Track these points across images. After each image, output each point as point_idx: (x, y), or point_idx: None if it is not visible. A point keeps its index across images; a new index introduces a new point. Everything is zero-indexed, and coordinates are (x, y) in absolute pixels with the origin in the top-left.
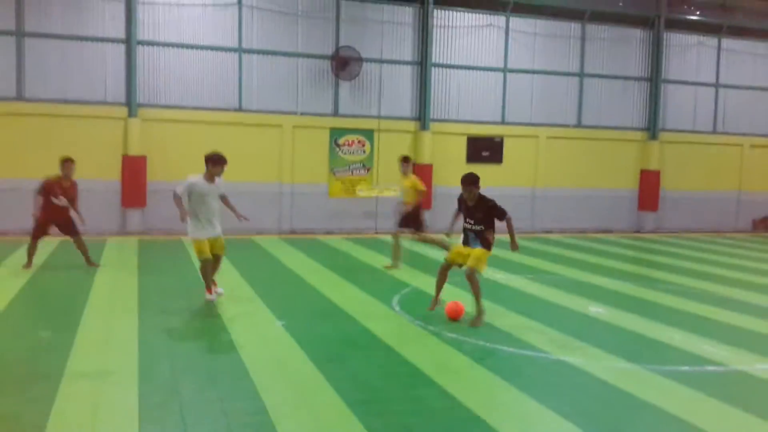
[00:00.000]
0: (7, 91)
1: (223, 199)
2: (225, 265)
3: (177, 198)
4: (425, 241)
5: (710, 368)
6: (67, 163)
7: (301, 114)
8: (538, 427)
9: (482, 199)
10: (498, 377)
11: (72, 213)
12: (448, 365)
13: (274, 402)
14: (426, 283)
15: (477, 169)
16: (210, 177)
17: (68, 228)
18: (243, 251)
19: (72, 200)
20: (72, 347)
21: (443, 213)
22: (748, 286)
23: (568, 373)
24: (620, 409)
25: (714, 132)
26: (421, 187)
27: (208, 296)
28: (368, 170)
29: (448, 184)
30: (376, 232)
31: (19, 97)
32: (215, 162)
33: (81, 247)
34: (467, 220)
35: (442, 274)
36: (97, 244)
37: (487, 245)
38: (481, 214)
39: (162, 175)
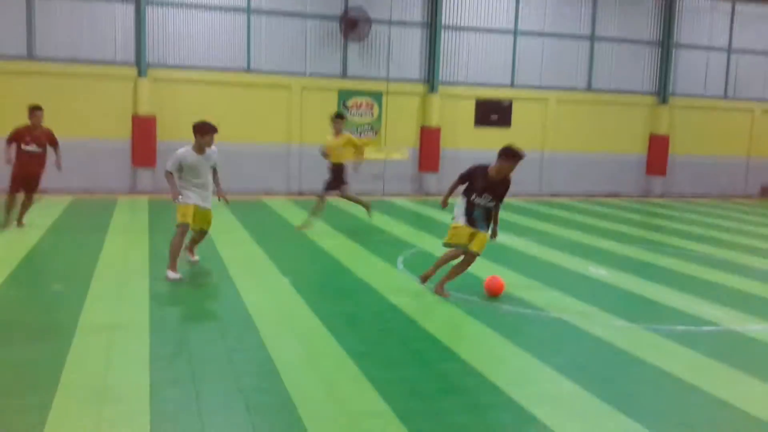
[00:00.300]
0: (17, 50)
1: (213, 171)
2: (233, 223)
3: (168, 174)
4: (349, 199)
5: (705, 328)
6: (33, 111)
7: (310, 75)
8: (533, 380)
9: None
10: (496, 333)
11: (42, 171)
12: (446, 321)
13: (280, 353)
14: (431, 244)
15: (485, 132)
16: (199, 148)
17: (32, 185)
18: (251, 211)
19: (52, 145)
20: (84, 301)
21: (450, 176)
22: (751, 250)
23: (565, 331)
24: (614, 365)
25: (725, 97)
26: (358, 141)
27: (171, 275)
28: (376, 132)
29: (456, 147)
30: (384, 195)
31: (30, 56)
32: (203, 131)
33: (28, 203)
34: (484, 195)
35: (449, 256)
36: (108, 203)
37: (494, 225)
38: (502, 191)
39: (171, 134)
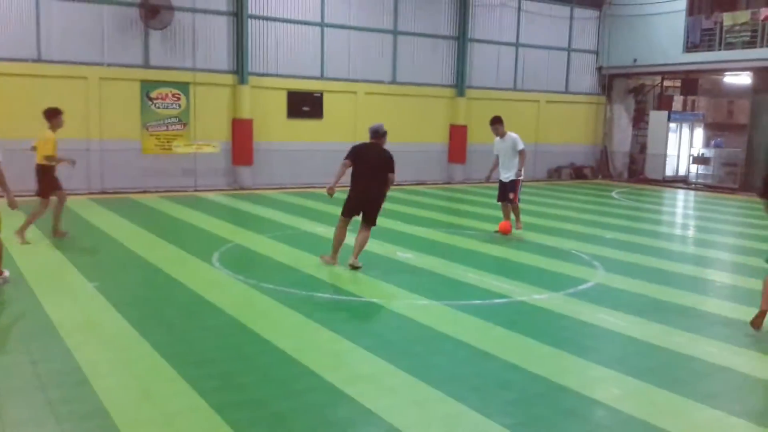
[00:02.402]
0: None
1: None
2: (29, 229)
3: None
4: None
5: (497, 300)
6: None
7: (108, 65)
8: (346, 361)
9: None
10: (311, 321)
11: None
12: (263, 313)
13: (89, 361)
14: (248, 238)
15: (298, 124)
16: None
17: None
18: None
19: None
20: None
21: (265, 169)
22: (537, 228)
23: (374, 313)
24: (418, 340)
25: (515, 89)
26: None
27: None
28: (185, 125)
29: (269, 139)
30: (196, 190)
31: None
32: None
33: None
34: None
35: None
36: None
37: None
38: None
39: None
